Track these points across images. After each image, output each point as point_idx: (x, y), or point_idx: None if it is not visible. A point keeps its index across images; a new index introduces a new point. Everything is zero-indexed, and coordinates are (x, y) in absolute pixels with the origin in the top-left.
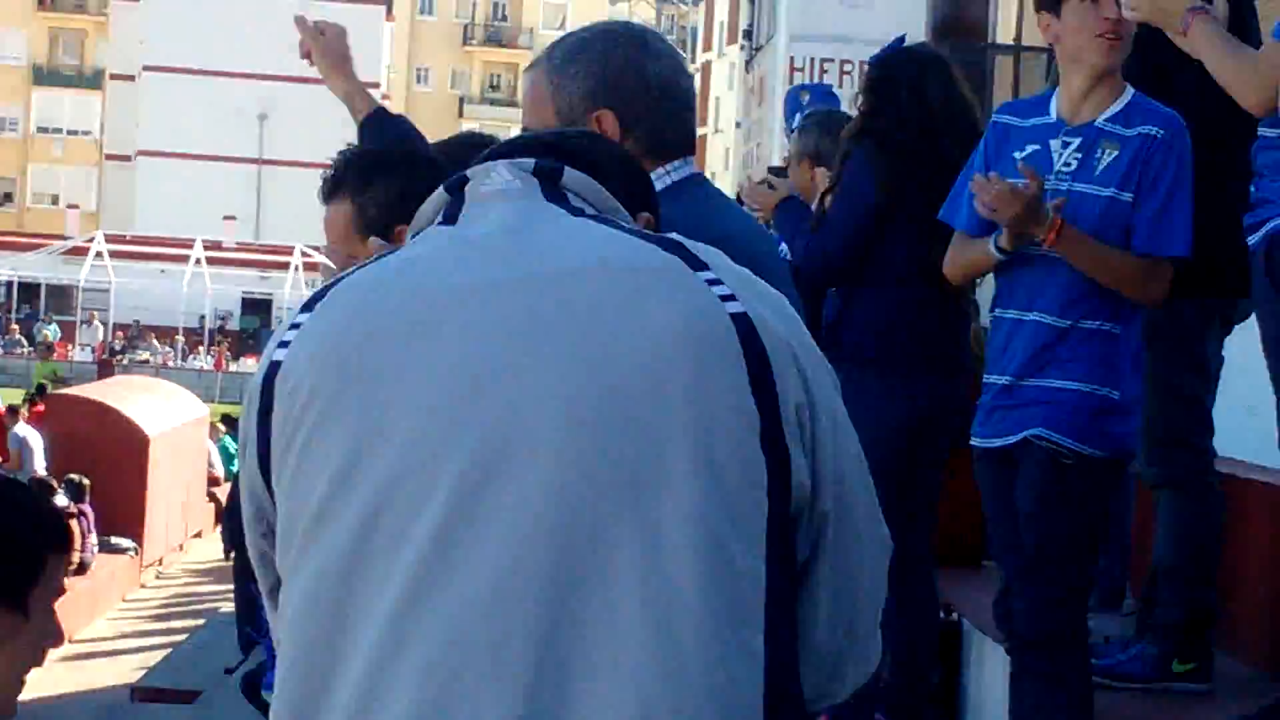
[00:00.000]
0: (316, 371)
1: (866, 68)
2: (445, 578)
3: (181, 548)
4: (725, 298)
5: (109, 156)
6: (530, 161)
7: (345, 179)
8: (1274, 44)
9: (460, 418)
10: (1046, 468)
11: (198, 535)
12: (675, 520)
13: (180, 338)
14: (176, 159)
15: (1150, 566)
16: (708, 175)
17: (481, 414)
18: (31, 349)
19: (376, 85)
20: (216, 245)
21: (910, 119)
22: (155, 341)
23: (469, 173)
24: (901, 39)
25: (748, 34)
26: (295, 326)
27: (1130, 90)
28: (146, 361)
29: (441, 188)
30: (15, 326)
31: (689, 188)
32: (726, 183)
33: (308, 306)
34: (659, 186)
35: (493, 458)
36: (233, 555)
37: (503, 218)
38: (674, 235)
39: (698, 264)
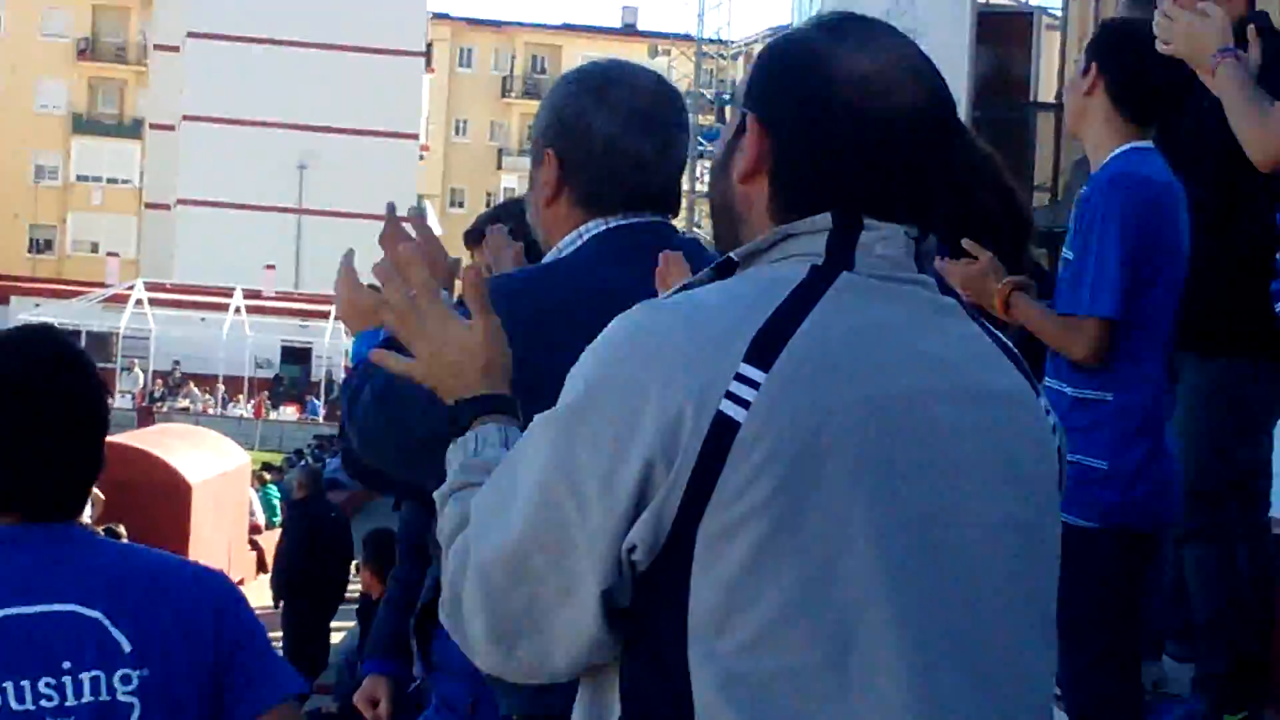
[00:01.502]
0: (788, 460)
1: None
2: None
3: None
4: (1054, 428)
5: (149, 205)
6: (914, 231)
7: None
8: None
9: (922, 546)
10: None
11: (240, 583)
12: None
13: (221, 385)
14: (216, 208)
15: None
16: None
17: (938, 542)
18: None
19: (415, 136)
20: (256, 294)
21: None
22: (195, 389)
23: (867, 223)
24: None
25: None
26: (745, 380)
27: (1118, 150)
28: (187, 409)
29: (829, 216)
30: None
31: (612, 239)
32: None
33: (758, 359)
34: (578, 240)
35: (959, 621)
36: (281, 604)
37: (910, 308)
38: (1003, 338)
39: (1035, 388)
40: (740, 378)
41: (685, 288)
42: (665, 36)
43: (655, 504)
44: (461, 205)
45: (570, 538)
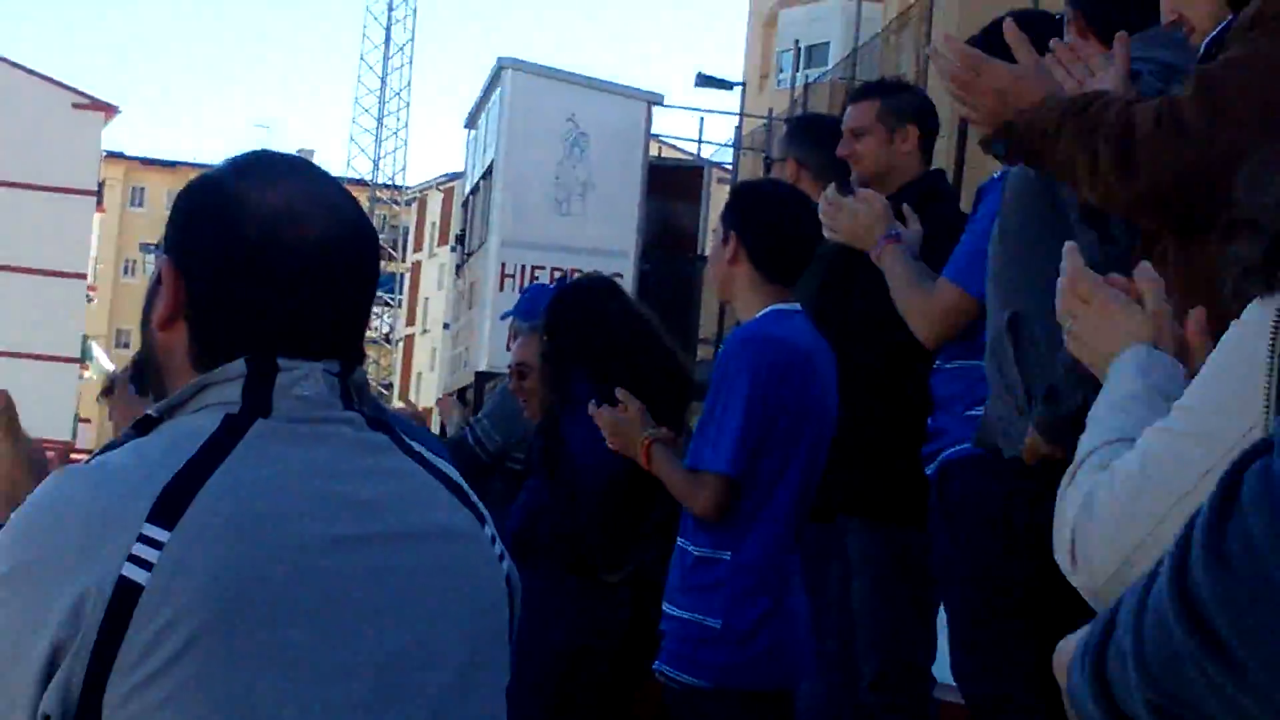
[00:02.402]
0: (199, 615)
1: (544, 313)
2: None
3: None
4: (500, 556)
5: None
6: (335, 367)
7: None
8: (945, 282)
9: (350, 696)
10: (669, 696)
11: None
12: None
13: None
14: None
15: None
16: (415, 374)
17: (364, 685)
18: None
19: (84, 276)
20: None
21: (598, 339)
22: None
23: (283, 364)
24: (564, 277)
25: (460, 239)
26: (148, 541)
27: (761, 313)
28: None
29: (243, 362)
30: None
31: None
32: (431, 383)
33: (161, 518)
34: None
35: None
36: None
37: (333, 450)
38: (447, 469)
39: (481, 516)
40: (143, 538)
41: (107, 448)
42: (340, 181)
43: (62, 675)
44: (128, 346)
45: None
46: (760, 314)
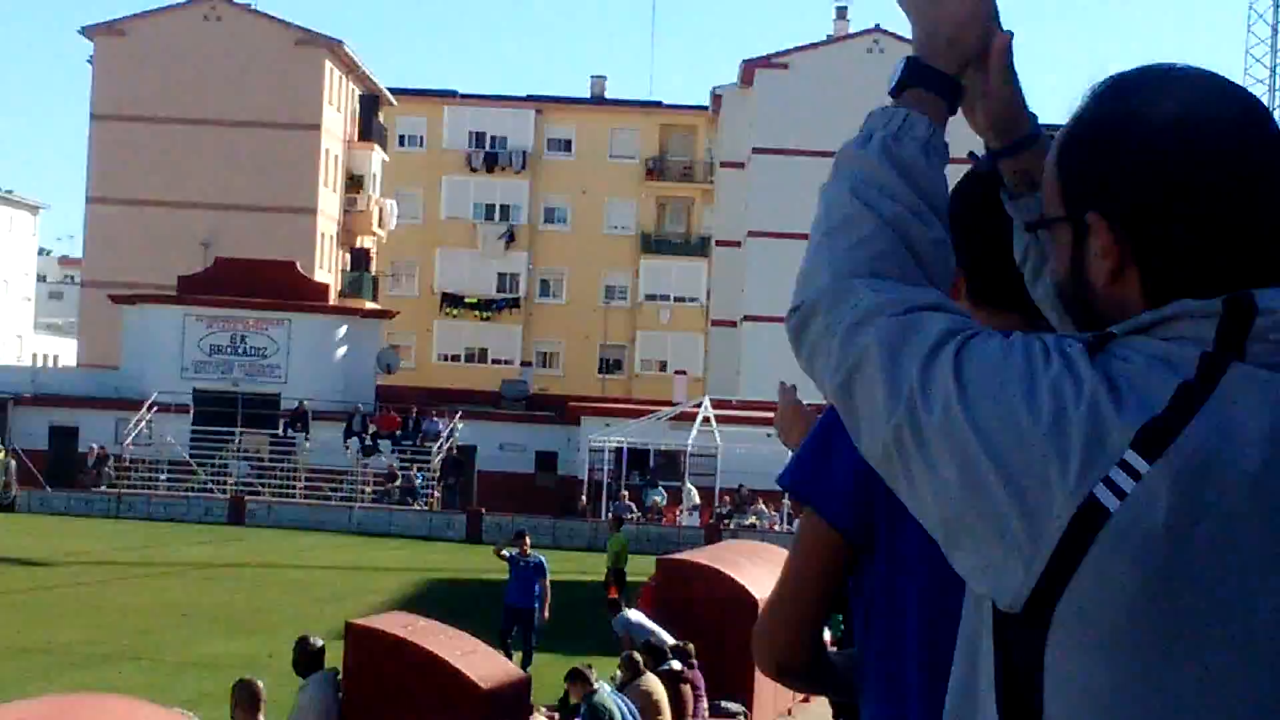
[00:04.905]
0: (1146, 569)
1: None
2: None
3: (790, 712)
4: None
5: (715, 322)
6: None
7: None
8: None
9: None
10: None
11: (805, 700)
12: None
13: (785, 502)
14: (779, 324)
15: None
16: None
17: None
18: (641, 515)
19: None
20: (818, 408)
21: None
22: (763, 506)
23: (1260, 306)
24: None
25: None
26: (1127, 468)
27: None
28: (753, 526)
29: (1220, 301)
30: (625, 493)
31: None
32: None
33: (1144, 450)
34: None
35: None
36: None
37: None
38: None
39: None
40: (1124, 464)
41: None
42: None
43: (1019, 579)
44: None
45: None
46: None
